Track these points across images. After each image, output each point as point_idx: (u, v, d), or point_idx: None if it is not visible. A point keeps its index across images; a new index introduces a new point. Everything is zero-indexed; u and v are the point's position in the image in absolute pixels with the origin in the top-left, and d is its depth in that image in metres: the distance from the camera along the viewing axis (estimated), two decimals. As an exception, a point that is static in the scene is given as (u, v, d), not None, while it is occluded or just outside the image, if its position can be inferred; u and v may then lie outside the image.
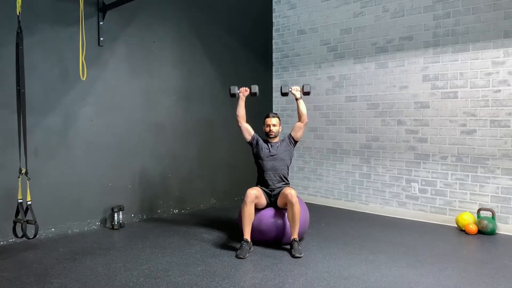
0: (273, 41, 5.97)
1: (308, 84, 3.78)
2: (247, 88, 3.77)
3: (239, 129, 3.82)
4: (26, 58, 3.31)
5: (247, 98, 3.81)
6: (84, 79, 3.65)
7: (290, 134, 3.82)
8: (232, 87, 3.75)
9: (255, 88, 3.76)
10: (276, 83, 5.94)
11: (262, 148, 3.77)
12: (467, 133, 4.25)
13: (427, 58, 4.50)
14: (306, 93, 3.77)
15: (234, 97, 3.78)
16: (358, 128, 5.09)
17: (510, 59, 3.99)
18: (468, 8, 4.21)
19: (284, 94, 3.80)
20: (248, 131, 3.81)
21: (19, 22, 3.17)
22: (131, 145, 4.43)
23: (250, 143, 3.84)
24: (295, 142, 3.83)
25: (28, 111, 3.42)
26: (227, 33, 5.32)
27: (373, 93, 4.94)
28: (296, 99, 3.75)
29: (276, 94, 5.93)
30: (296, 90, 3.75)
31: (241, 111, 3.77)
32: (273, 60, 5.98)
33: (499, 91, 4.06)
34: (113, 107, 4.28)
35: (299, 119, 3.77)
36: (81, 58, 3.63)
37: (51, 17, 3.82)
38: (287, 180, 3.81)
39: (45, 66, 3.81)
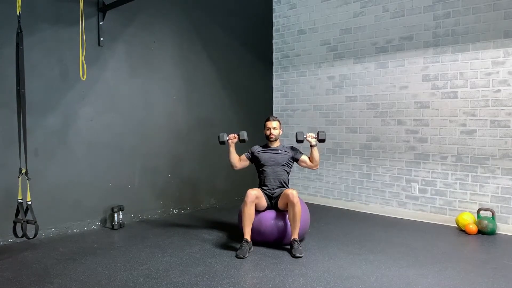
0: (273, 41, 5.97)
1: (323, 132, 3.74)
2: (235, 135, 3.76)
3: (240, 169, 3.87)
4: (26, 58, 3.31)
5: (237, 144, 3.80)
6: (84, 79, 3.65)
7: (298, 156, 3.81)
8: (221, 135, 3.77)
9: (244, 135, 3.75)
10: (276, 83, 5.94)
11: (261, 155, 3.80)
12: (467, 133, 4.25)
13: (427, 58, 4.50)
14: (321, 141, 3.74)
15: (224, 144, 3.78)
16: (358, 128, 5.09)
17: (510, 59, 3.99)
18: (468, 8, 4.21)
19: (299, 142, 3.75)
20: (245, 161, 3.87)
21: (19, 22, 3.17)
22: (131, 145, 4.43)
23: (251, 162, 3.89)
24: (296, 161, 3.85)
25: (28, 111, 3.42)
26: (227, 33, 5.32)
27: (373, 93, 4.94)
28: (311, 146, 3.73)
29: (276, 94, 5.93)
30: (311, 137, 3.72)
31: (234, 158, 3.80)
32: (273, 60, 5.98)
33: (499, 91, 4.06)
34: (113, 107, 4.28)
35: (311, 162, 3.77)
36: (81, 58, 3.63)
37: (51, 17, 3.82)
38: (287, 186, 3.81)
39: (45, 66, 3.80)
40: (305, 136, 3.73)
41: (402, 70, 4.70)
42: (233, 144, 3.78)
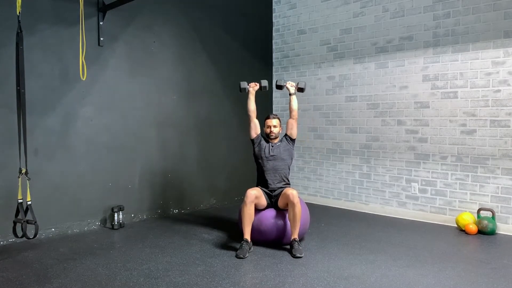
0: (273, 41, 5.97)
1: (304, 82, 3.85)
2: (256, 83, 3.84)
3: (249, 123, 3.84)
4: (26, 58, 3.31)
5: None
6: (84, 79, 3.65)
7: (286, 134, 3.85)
8: (242, 82, 3.81)
9: (265, 82, 3.84)
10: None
11: (263, 148, 3.78)
12: (467, 133, 4.25)
13: (427, 58, 4.50)
14: (300, 90, 3.84)
15: (244, 91, 3.83)
16: (358, 128, 5.09)
17: (510, 59, 3.99)
18: (468, 8, 4.21)
19: (279, 87, 3.87)
20: (256, 128, 3.83)
21: (19, 22, 3.17)
22: (131, 145, 4.43)
23: (253, 140, 3.84)
24: (293, 140, 3.84)
25: (28, 111, 3.43)
26: (227, 33, 5.33)
27: (373, 93, 4.94)
28: (290, 94, 3.81)
29: (276, 94, 5.93)
30: (291, 86, 3.83)
31: (252, 105, 3.82)
32: (273, 60, 5.98)
33: (499, 91, 4.06)
34: (113, 107, 4.28)
35: (290, 115, 3.82)
36: (81, 58, 3.63)
37: (51, 17, 3.82)
38: (288, 181, 3.81)
39: (45, 66, 3.81)
40: (285, 83, 3.83)
41: (402, 70, 4.70)
42: (254, 92, 3.83)
